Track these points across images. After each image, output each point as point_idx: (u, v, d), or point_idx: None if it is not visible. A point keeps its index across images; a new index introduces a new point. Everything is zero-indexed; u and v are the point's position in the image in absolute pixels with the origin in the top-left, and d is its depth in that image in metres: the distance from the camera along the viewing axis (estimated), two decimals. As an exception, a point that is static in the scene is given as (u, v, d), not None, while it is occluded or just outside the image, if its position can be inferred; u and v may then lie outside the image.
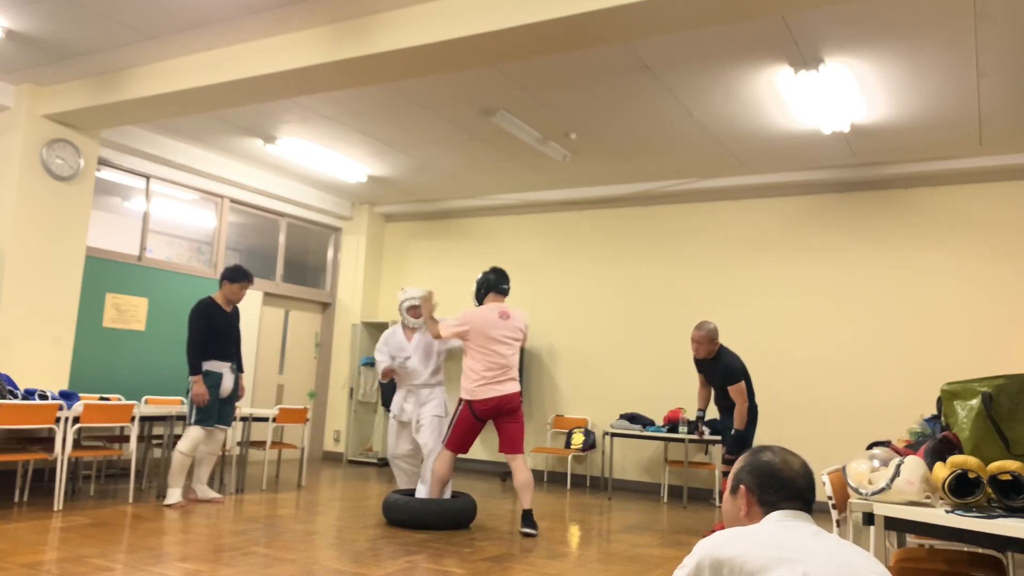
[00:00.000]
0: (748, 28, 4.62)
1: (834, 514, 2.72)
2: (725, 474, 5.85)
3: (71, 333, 6.38)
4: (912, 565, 2.67)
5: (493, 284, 5.45)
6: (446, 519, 5.17)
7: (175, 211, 7.94)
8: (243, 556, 4.10)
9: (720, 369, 5.59)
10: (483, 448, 8.78)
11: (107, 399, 6.04)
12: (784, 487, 1.65)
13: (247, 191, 8.39)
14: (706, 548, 1.53)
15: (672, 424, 7.14)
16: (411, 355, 5.68)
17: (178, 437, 5.95)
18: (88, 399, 5.69)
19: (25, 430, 5.70)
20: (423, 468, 5.54)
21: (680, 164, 7.32)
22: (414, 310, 5.76)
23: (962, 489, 2.32)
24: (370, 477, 7.86)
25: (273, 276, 8.83)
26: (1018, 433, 2.49)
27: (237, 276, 5.86)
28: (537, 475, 8.40)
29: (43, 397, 5.24)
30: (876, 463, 2.44)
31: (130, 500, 5.69)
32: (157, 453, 6.78)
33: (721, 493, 6.11)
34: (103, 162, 7.05)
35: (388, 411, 5.87)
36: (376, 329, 9.55)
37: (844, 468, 2.57)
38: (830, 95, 5.43)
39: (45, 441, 5.72)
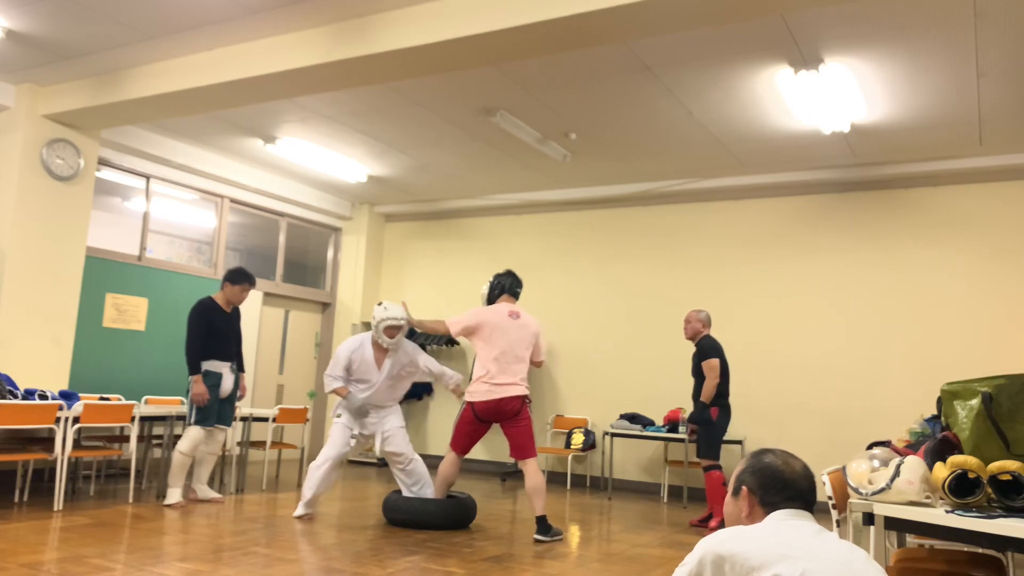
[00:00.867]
0: (748, 28, 4.62)
1: (834, 514, 2.72)
2: (706, 469, 5.85)
3: (71, 333, 6.38)
4: (912, 565, 2.67)
5: (508, 287, 5.45)
6: (446, 519, 5.17)
7: (175, 211, 7.94)
8: (243, 556, 4.10)
9: (697, 352, 6.02)
10: (483, 448, 8.78)
11: (107, 399, 6.04)
12: (786, 488, 1.66)
13: (247, 191, 8.39)
14: (708, 545, 1.54)
15: (672, 424, 7.15)
16: (373, 388, 5.34)
17: (178, 437, 5.95)
18: (88, 399, 5.68)
19: (25, 430, 5.70)
20: (414, 467, 5.45)
21: (680, 164, 7.32)
22: (392, 330, 5.27)
23: (962, 489, 2.32)
24: (370, 477, 7.86)
25: (273, 276, 8.83)
26: (1018, 433, 2.49)
27: (239, 278, 5.85)
28: (537, 475, 8.39)
29: (43, 397, 5.23)
30: (876, 463, 2.44)
31: (130, 500, 5.69)
32: (157, 453, 6.79)
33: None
34: (103, 162, 7.05)
35: (336, 416, 5.43)
36: (376, 329, 9.54)
37: (844, 468, 2.58)
38: (830, 95, 5.43)
39: (45, 441, 5.72)
